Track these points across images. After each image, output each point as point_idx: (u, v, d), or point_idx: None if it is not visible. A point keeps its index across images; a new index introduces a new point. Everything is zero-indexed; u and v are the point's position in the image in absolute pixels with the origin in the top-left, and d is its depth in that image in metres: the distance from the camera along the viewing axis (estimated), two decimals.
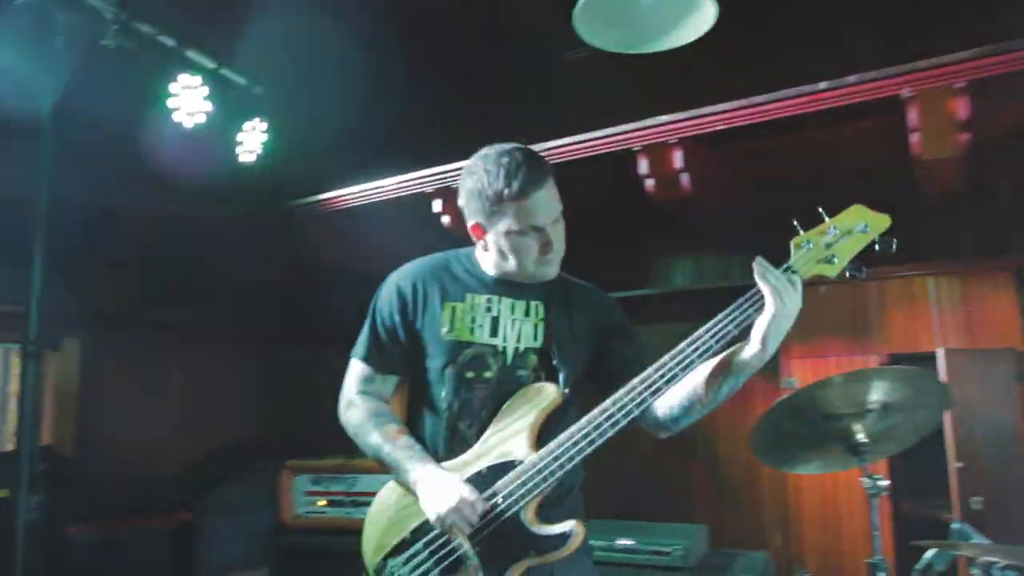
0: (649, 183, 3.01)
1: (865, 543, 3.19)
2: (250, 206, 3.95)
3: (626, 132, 2.93)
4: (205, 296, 4.57)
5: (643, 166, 2.97)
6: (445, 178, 3.39)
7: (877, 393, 2.20)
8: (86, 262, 4.11)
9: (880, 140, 2.81)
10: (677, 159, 2.91)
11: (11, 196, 3.14)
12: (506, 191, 1.61)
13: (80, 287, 4.37)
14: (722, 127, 2.80)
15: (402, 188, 3.52)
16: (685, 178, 2.95)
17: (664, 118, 2.86)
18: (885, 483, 2.20)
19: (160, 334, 4.72)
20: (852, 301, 3.37)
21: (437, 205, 3.44)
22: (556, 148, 3.10)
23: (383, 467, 1.72)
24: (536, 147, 3.10)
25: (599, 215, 3.78)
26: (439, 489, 1.60)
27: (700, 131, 2.83)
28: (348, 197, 3.76)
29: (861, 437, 2.22)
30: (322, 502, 3.03)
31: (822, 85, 2.61)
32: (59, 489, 2.83)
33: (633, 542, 2.74)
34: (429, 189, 3.42)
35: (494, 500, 1.59)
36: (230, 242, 4.20)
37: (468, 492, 1.58)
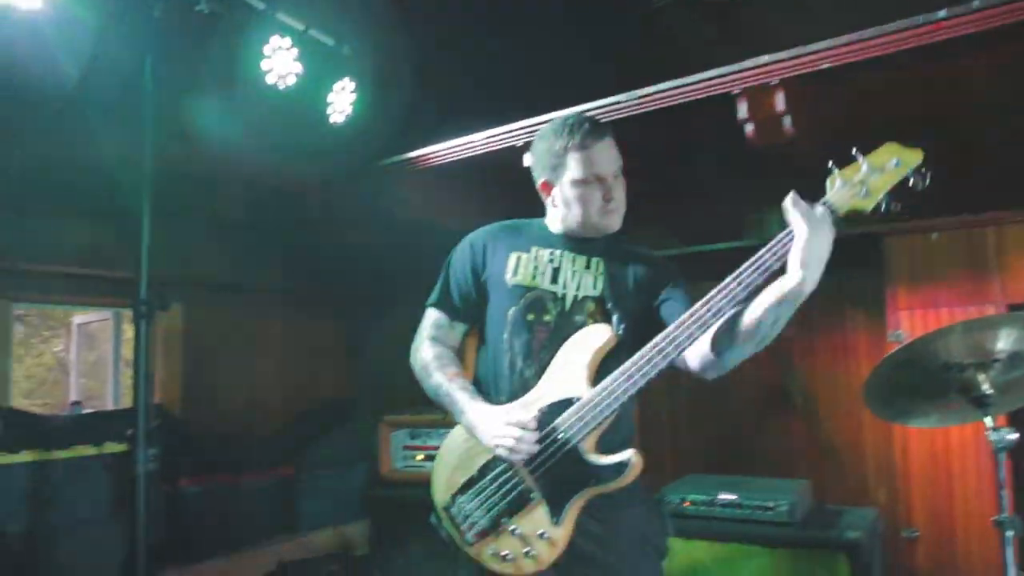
0: (749, 128, 2.88)
1: (979, 502, 3.05)
2: (341, 167, 3.99)
3: (725, 75, 2.80)
4: (300, 258, 4.68)
5: (742, 110, 2.84)
6: (535, 131, 3.32)
7: (1004, 341, 2.08)
8: (186, 227, 4.25)
9: (1007, 72, 2.61)
10: (779, 101, 2.76)
11: (115, 164, 3.27)
12: (570, 143, 1.81)
13: (182, 252, 4.54)
14: (828, 65, 2.64)
15: (491, 143, 3.48)
16: (787, 121, 2.80)
17: (765, 58, 2.72)
18: (1014, 436, 2.08)
19: (257, 296, 4.87)
20: (967, 248, 3.17)
21: (528, 159, 3.38)
22: (649, 96, 3.00)
23: (442, 407, 1.89)
24: (628, 96, 3.04)
25: (694, 164, 3.67)
26: (495, 421, 1.73)
27: (804, 70, 2.68)
28: (437, 154, 3.73)
29: (986, 388, 2.10)
30: (419, 456, 3.08)
31: (941, 13, 2.42)
32: (169, 445, 2.97)
33: (735, 497, 2.69)
34: (519, 143, 3.37)
35: (554, 436, 1.70)
36: (324, 204, 4.27)
37: (521, 417, 1.70)
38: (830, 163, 1.64)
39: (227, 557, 3.78)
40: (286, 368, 5.01)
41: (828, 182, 1.63)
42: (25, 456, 3.07)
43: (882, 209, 1.62)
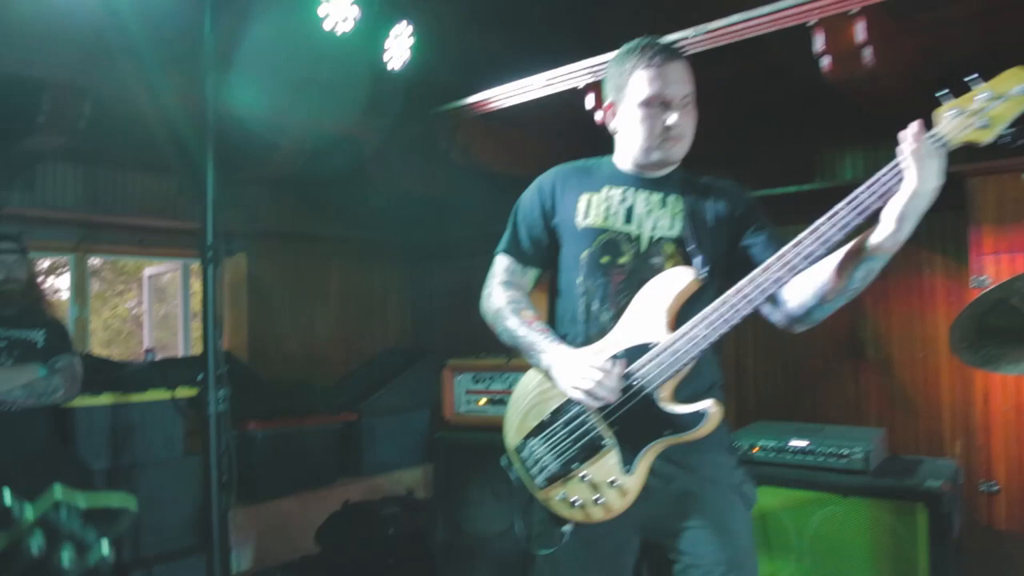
0: (825, 61, 2.73)
1: None
2: (400, 114, 3.96)
3: (800, 4, 2.65)
4: (360, 206, 4.70)
5: (819, 42, 2.69)
6: (598, 71, 3.22)
7: None
8: (248, 177, 4.30)
9: None
10: (859, 31, 2.60)
11: (179, 115, 3.31)
12: (639, 60, 1.72)
13: (245, 203, 4.60)
14: None
15: (552, 84, 3.39)
16: (867, 53, 2.64)
17: None
18: None
19: (319, 245, 4.93)
20: None
21: (590, 100, 3.29)
22: (718, 30, 2.86)
23: (518, 351, 1.81)
24: (695, 30, 2.92)
25: (762, 102, 3.52)
26: (574, 364, 1.65)
27: None
28: (496, 99, 3.66)
29: None
30: (482, 400, 3.08)
31: None
32: (237, 390, 3.04)
33: (808, 443, 2.60)
34: (581, 84, 3.27)
35: (629, 382, 1.64)
36: (382, 151, 4.25)
37: (603, 362, 1.62)
38: (937, 94, 1.46)
39: (294, 497, 3.90)
40: (348, 316, 5.09)
41: (935, 114, 1.46)
42: (105, 399, 3.19)
43: (999, 141, 1.45)
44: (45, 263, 7.28)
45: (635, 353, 1.65)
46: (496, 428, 2.97)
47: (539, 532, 1.77)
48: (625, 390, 1.64)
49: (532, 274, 1.92)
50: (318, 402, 4.18)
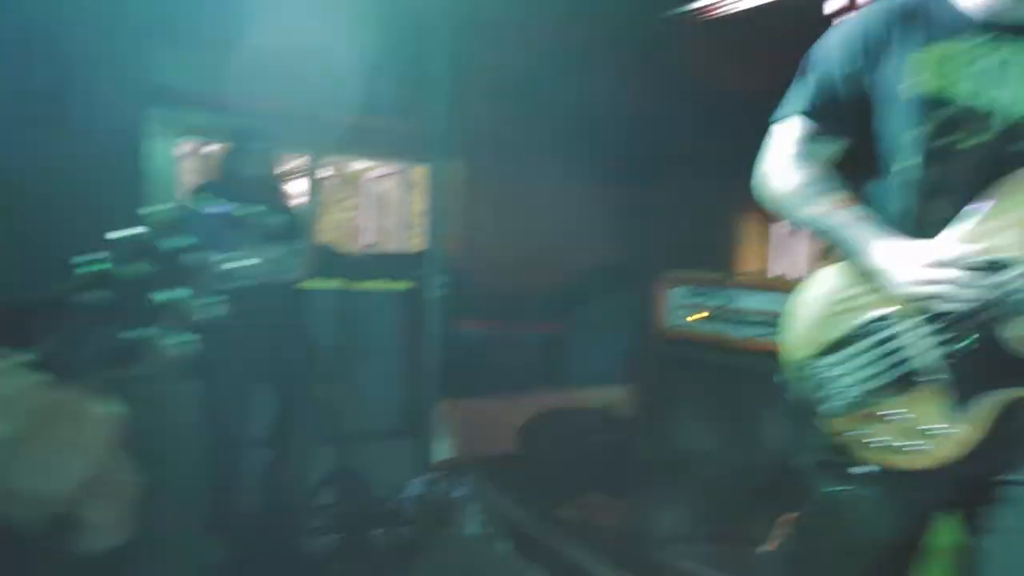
0: None
1: None
2: (622, 20, 3.79)
3: None
4: (580, 117, 4.62)
5: None
6: None
7: None
8: (469, 84, 4.34)
9: None
10: None
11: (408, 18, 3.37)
12: None
13: (464, 110, 4.67)
14: None
15: None
16: None
17: None
18: None
19: (537, 156, 4.93)
20: None
21: (831, 5, 2.97)
22: None
23: (828, 244, 1.45)
24: None
25: None
26: (913, 261, 1.30)
27: None
28: (727, 3, 3.41)
29: None
30: (698, 315, 2.91)
31: None
32: (451, 289, 3.16)
33: None
34: None
35: (982, 306, 1.28)
36: (600, 62, 4.11)
37: (959, 269, 1.26)
38: None
39: (496, 397, 4.03)
40: (560, 228, 5.09)
41: None
42: (335, 283, 3.45)
43: None
44: (284, 164, 8.01)
45: (985, 270, 1.27)
46: (711, 345, 2.87)
47: (822, 466, 1.47)
48: (974, 315, 1.28)
49: (836, 147, 1.48)
50: (526, 310, 4.27)
